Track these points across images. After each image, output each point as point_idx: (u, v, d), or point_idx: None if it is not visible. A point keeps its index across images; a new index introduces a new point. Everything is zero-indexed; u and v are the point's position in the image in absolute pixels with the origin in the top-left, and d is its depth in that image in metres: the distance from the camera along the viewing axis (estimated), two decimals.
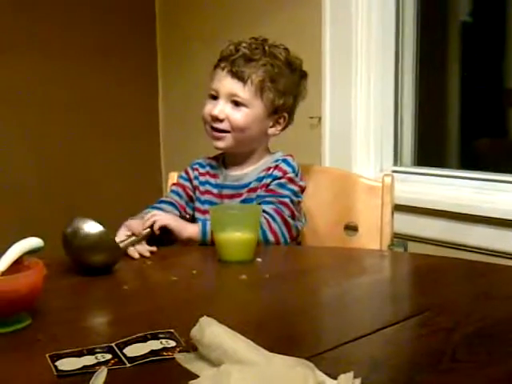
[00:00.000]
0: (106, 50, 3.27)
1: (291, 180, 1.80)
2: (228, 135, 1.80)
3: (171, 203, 1.83)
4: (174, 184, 1.93)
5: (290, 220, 1.74)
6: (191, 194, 1.88)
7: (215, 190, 1.85)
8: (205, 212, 1.81)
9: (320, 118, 2.67)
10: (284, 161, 1.82)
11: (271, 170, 1.81)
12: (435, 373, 0.90)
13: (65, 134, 3.13)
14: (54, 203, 3.11)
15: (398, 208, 2.00)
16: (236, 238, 1.50)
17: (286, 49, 1.85)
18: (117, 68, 3.30)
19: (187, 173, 1.91)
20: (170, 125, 3.48)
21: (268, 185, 1.79)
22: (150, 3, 3.45)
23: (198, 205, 1.86)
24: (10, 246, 1.14)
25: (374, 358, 0.95)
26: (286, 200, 1.76)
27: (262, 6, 2.90)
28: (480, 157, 2.75)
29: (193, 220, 1.83)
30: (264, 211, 1.70)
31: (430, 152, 2.77)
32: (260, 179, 1.81)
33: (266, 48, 1.81)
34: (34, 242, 1.16)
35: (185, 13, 3.33)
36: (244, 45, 1.81)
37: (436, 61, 2.83)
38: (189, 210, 1.86)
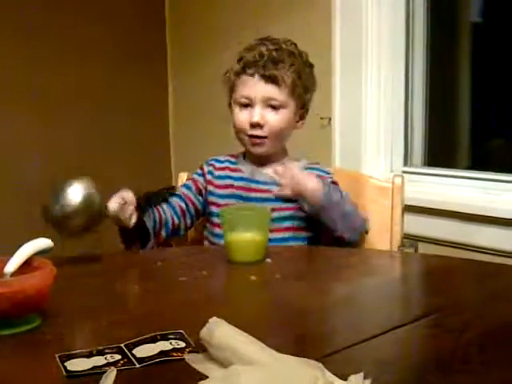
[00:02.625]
0: (116, 52, 3.27)
1: (334, 183, 1.84)
2: (267, 140, 1.81)
3: (178, 195, 1.86)
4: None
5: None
6: (201, 187, 1.88)
7: (238, 183, 1.84)
8: (222, 206, 1.79)
9: (330, 119, 2.66)
10: (316, 169, 1.86)
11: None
12: (446, 374, 0.89)
13: (74, 134, 3.14)
14: None
15: (409, 209, 2.00)
16: (246, 238, 1.49)
17: (293, 43, 1.86)
18: (126, 69, 3.30)
19: (202, 168, 1.91)
20: (180, 126, 3.48)
21: None
22: (160, 6, 3.45)
23: (213, 199, 1.84)
24: (19, 247, 1.14)
25: (384, 359, 0.95)
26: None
27: (271, 7, 2.90)
28: (491, 157, 2.74)
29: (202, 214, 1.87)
30: None
31: (440, 153, 2.76)
32: None
33: (284, 46, 1.82)
34: (43, 242, 1.17)
35: (194, 14, 3.33)
36: (264, 48, 1.80)
37: (447, 61, 2.82)
38: (196, 203, 1.86)
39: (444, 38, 2.80)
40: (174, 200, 1.84)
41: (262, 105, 1.79)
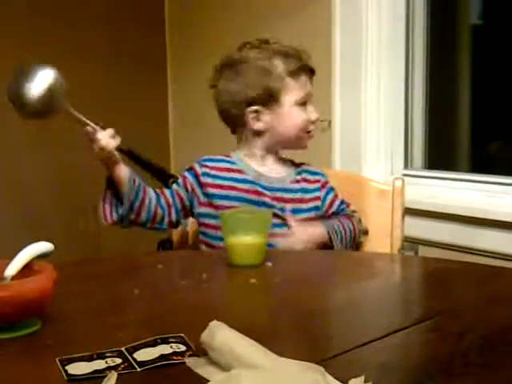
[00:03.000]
0: (115, 54, 3.27)
1: (327, 182, 1.90)
2: None
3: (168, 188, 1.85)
4: None
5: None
6: (191, 187, 1.83)
7: (243, 186, 1.82)
8: (230, 208, 1.77)
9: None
10: (307, 172, 1.89)
11: (302, 182, 1.86)
12: (446, 377, 0.89)
13: (74, 137, 3.13)
14: (64, 207, 3.12)
15: (409, 211, 2.00)
16: (246, 242, 1.49)
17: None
18: (126, 72, 3.31)
19: (193, 169, 1.85)
20: (180, 128, 3.48)
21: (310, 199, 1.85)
22: (159, 8, 3.46)
23: (218, 201, 1.80)
24: (19, 251, 1.14)
25: (384, 363, 0.94)
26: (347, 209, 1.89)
27: (271, 9, 2.90)
28: (492, 160, 2.74)
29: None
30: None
31: (440, 155, 2.76)
32: (295, 191, 1.84)
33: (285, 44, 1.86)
34: (43, 246, 1.16)
35: (194, 17, 3.33)
36: (276, 45, 1.84)
37: (447, 64, 2.82)
38: (185, 199, 1.84)
39: (444, 40, 2.80)
40: (162, 191, 1.82)
41: (310, 101, 1.84)
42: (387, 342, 1.02)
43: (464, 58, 2.81)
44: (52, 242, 1.17)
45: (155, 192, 1.80)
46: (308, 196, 1.84)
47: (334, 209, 1.86)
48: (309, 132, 1.85)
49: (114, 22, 3.27)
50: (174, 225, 1.87)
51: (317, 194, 1.86)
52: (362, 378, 0.82)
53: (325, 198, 1.86)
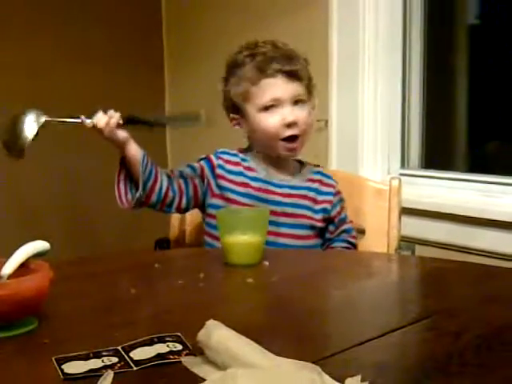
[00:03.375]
0: (113, 56, 3.27)
1: (339, 192, 1.88)
2: (299, 140, 1.79)
3: (180, 172, 1.80)
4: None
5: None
6: (205, 176, 1.81)
7: (255, 184, 1.81)
8: (242, 204, 1.77)
9: (327, 121, 2.66)
10: (322, 174, 1.88)
11: (316, 183, 1.85)
12: (443, 376, 0.89)
13: (70, 136, 3.13)
14: (59, 206, 3.12)
15: (406, 211, 2.00)
16: (243, 241, 1.49)
17: (283, 42, 1.84)
18: (123, 74, 3.31)
19: (210, 159, 1.83)
20: (177, 131, 3.47)
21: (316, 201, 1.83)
22: (156, 8, 3.46)
23: (231, 195, 1.79)
24: (16, 250, 1.14)
25: (381, 362, 0.94)
26: (349, 223, 1.88)
27: (268, 9, 2.90)
28: (488, 160, 2.75)
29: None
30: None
31: (437, 155, 2.77)
32: (308, 189, 1.83)
33: (280, 45, 1.81)
34: (40, 245, 1.16)
35: (191, 18, 3.33)
36: (267, 50, 1.78)
37: (444, 64, 2.83)
38: (198, 187, 1.80)
39: (441, 40, 2.80)
40: (176, 174, 1.79)
41: (289, 103, 1.76)
42: (384, 341, 1.02)
43: (461, 59, 2.81)
44: (49, 241, 1.17)
45: (168, 175, 1.76)
46: (320, 198, 1.83)
47: (338, 218, 1.85)
48: (285, 139, 1.77)
49: (112, 23, 3.27)
50: (182, 211, 1.84)
51: (329, 197, 1.84)
52: (359, 378, 0.82)
53: (336, 204, 1.84)
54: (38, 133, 1.66)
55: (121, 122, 1.66)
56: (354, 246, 1.87)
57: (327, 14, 2.64)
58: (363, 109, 2.60)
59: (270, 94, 1.76)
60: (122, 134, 1.68)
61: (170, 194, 1.75)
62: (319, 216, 1.82)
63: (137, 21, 3.37)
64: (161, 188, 1.73)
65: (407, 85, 2.67)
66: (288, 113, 1.75)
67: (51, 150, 3.10)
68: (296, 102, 1.77)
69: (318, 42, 2.64)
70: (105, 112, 1.67)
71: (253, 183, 1.81)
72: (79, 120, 1.69)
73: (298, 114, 1.76)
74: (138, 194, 1.69)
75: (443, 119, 2.84)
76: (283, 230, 1.76)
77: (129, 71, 3.32)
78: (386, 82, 2.61)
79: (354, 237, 1.87)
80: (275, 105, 1.76)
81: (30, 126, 1.67)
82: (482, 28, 2.81)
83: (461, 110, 2.82)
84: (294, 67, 1.76)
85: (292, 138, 1.77)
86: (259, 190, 1.80)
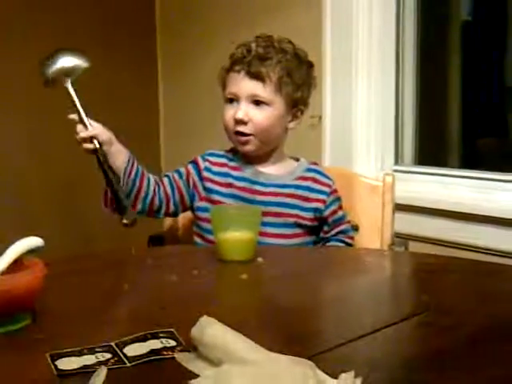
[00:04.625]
0: (106, 54, 3.25)
1: (336, 191, 1.87)
2: (252, 138, 1.79)
3: (168, 177, 1.83)
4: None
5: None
6: (192, 180, 1.84)
7: (240, 184, 1.82)
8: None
9: (320, 117, 2.66)
10: (318, 172, 1.87)
11: (308, 181, 1.84)
12: (437, 372, 0.89)
13: (65, 135, 3.13)
14: (54, 203, 3.12)
15: (399, 207, 2.01)
16: (236, 237, 1.49)
17: (290, 42, 1.85)
18: (117, 72, 3.30)
19: (197, 162, 1.86)
20: (171, 128, 3.47)
21: (310, 199, 1.83)
22: (150, 6, 3.45)
23: (215, 197, 1.81)
24: (9, 246, 1.13)
25: (374, 358, 0.95)
26: (347, 224, 1.87)
27: (261, 7, 2.90)
28: (482, 156, 2.75)
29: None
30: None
31: (431, 151, 2.77)
32: (297, 187, 1.83)
33: (276, 44, 1.81)
34: (33, 241, 1.16)
35: (184, 16, 3.33)
36: (254, 45, 1.80)
37: (437, 60, 2.83)
38: (184, 192, 1.83)
39: (434, 37, 2.81)
40: (163, 181, 1.82)
41: (246, 101, 1.77)
42: (377, 337, 1.02)
43: (454, 55, 2.81)
44: (42, 238, 1.17)
45: (155, 182, 1.79)
46: (312, 196, 1.83)
47: (333, 218, 1.84)
48: (236, 133, 1.80)
49: (106, 24, 3.26)
50: (171, 215, 1.88)
51: (323, 196, 1.83)
52: (352, 373, 0.82)
53: (330, 204, 1.84)
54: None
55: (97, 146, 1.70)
56: (351, 246, 1.87)
57: (320, 10, 2.64)
58: (357, 105, 2.60)
59: (230, 87, 1.80)
60: (104, 135, 1.72)
61: (156, 201, 1.79)
62: (309, 215, 1.81)
63: (130, 20, 3.36)
64: (146, 196, 1.77)
65: (400, 81, 2.67)
66: (240, 110, 1.77)
67: (48, 146, 3.11)
68: (256, 102, 1.78)
69: (311, 38, 2.63)
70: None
71: (237, 183, 1.82)
72: (87, 122, 1.72)
73: (252, 113, 1.77)
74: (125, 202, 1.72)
75: (436, 116, 2.85)
76: (268, 229, 1.75)
77: (121, 70, 3.32)
78: (380, 79, 2.61)
79: (351, 237, 1.86)
80: (235, 99, 1.79)
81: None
82: (475, 24, 2.81)
83: (454, 106, 2.82)
84: (258, 68, 1.76)
85: (242, 134, 1.79)
86: (244, 189, 1.81)
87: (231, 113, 1.79)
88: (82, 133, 1.70)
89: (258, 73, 1.76)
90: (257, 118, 1.77)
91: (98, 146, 1.69)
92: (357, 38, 2.57)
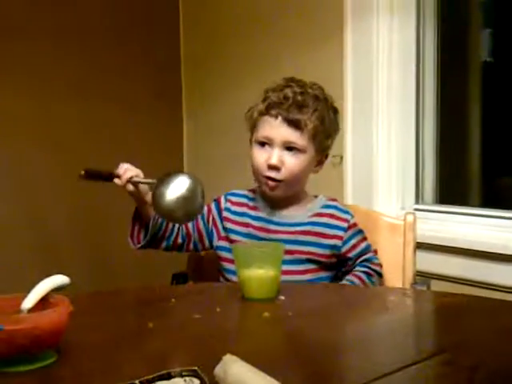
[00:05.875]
0: (131, 91, 3.30)
1: (355, 224, 1.87)
2: (282, 184, 1.79)
3: None
4: None
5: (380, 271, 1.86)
6: (212, 218, 1.88)
7: (257, 223, 1.84)
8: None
9: (342, 157, 2.68)
10: (335, 208, 1.87)
11: (325, 217, 1.84)
12: None
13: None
14: (78, 240, 3.14)
15: (420, 246, 2.01)
16: (259, 275, 1.50)
17: (320, 87, 1.85)
18: (141, 110, 3.34)
19: (219, 201, 1.90)
20: (195, 163, 3.50)
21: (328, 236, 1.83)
22: (175, 44, 3.50)
23: (233, 236, 1.84)
24: (36, 284, 1.15)
25: None
26: (371, 253, 1.87)
27: (285, 44, 2.93)
28: (502, 195, 2.75)
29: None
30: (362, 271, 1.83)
31: (451, 190, 2.77)
32: (313, 224, 1.83)
33: (310, 90, 1.81)
34: (60, 279, 1.18)
35: (210, 53, 3.36)
36: (289, 90, 1.79)
37: (457, 99, 2.84)
38: (203, 231, 1.88)
39: (454, 76, 2.82)
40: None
41: (281, 147, 1.77)
42: (400, 377, 1.02)
43: (474, 94, 2.82)
44: (68, 275, 1.19)
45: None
46: (330, 232, 1.83)
47: (355, 252, 1.84)
48: (267, 178, 1.79)
49: (131, 60, 3.31)
50: (193, 251, 1.93)
51: (340, 233, 1.83)
52: None
53: (349, 239, 1.84)
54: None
55: (82, 173, 1.72)
56: (379, 273, 1.85)
57: (342, 50, 2.66)
58: (378, 145, 2.61)
59: (265, 131, 1.79)
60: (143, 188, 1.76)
61: (179, 240, 1.86)
62: (326, 251, 1.82)
63: (155, 56, 3.40)
64: (170, 236, 1.84)
65: (421, 120, 2.69)
66: (274, 155, 1.77)
67: (72, 185, 3.14)
68: (290, 148, 1.78)
69: (332, 79, 2.65)
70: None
71: (254, 223, 1.85)
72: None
73: (286, 159, 1.78)
74: (143, 243, 1.80)
75: (457, 154, 2.85)
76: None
77: (146, 108, 3.36)
78: (400, 118, 2.63)
79: (377, 265, 1.86)
80: (268, 143, 1.79)
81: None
82: (496, 64, 2.83)
83: (474, 145, 2.82)
84: (296, 116, 1.76)
85: (272, 179, 1.79)
86: (260, 229, 1.84)
87: (264, 157, 1.78)
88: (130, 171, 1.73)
89: (297, 121, 1.76)
90: (290, 164, 1.78)
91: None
92: (377, 80, 2.59)
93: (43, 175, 3.07)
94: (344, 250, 1.83)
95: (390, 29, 2.59)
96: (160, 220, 1.78)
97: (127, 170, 1.72)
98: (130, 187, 1.72)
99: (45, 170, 3.07)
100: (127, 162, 1.75)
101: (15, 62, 2.97)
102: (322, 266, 1.83)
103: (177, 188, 1.67)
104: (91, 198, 3.06)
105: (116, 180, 1.72)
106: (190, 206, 1.68)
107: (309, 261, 1.81)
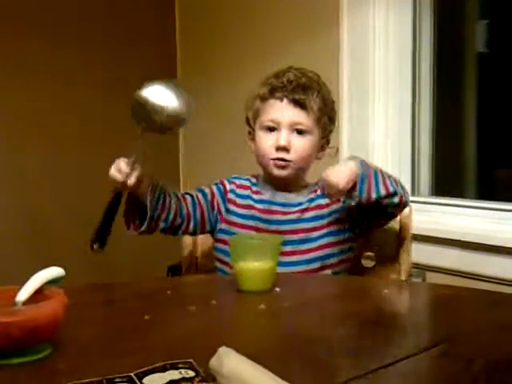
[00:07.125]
0: (126, 81, 3.29)
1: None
2: (292, 164, 1.79)
3: (191, 196, 1.84)
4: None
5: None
6: (216, 202, 1.86)
7: (260, 206, 1.84)
8: (244, 226, 1.82)
9: (338, 149, 2.67)
10: None
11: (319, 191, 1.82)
12: None
13: (82, 163, 3.16)
14: (75, 233, 3.13)
15: (416, 238, 2.00)
16: (255, 267, 1.50)
17: (317, 74, 1.86)
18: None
19: (223, 184, 1.90)
20: (191, 153, 3.49)
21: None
22: (171, 33, 3.49)
23: (234, 218, 1.84)
24: (31, 276, 1.15)
25: None
26: None
27: (281, 37, 2.93)
28: (498, 187, 2.75)
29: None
30: None
31: (447, 182, 2.77)
32: (311, 200, 1.84)
33: (310, 75, 1.83)
34: (55, 271, 1.17)
35: (205, 45, 3.36)
36: (291, 74, 1.80)
37: (453, 90, 2.84)
38: (206, 213, 1.84)
39: (450, 68, 2.82)
40: (185, 199, 1.82)
41: (288, 129, 1.77)
42: (396, 369, 1.02)
43: (470, 86, 2.82)
44: (63, 267, 1.18)
45: (178, 199, 1.80)
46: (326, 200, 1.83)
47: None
48: (274, 159, 1.79)
49: (126, 53, 3.31)
50: (190, 234, 1.89)
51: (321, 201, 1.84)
52: None
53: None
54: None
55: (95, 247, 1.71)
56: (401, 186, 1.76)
57: (338, 41, 2.66)
58: (373, 136, 2.61)
59: (271, 114, 1.79)
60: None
61: (178, 220, 1.80)
62: (332, 217, 1.83)
63: (150, 50, 3.40)
64: (168, 215, 1.77)
65: (417, 112, 2.69)
66: (283, 137, 1.77)
67: (68, 177, 3.13)
68: (296, 130, 1.78)
69: (328, 71, 2.64)
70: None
71: (257, 205, 1.85)
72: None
73: (294, 141, 1.78)
74: (143, 228, 1.72)
75: (453, 147, 2.85)
76: (288, 248, 1.77)
77: None
78: (396, 110, 2.62)
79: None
80: (274, 127, 1.79)
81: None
82: (491, 55, 2.82)
83: (470, 137, 2.83)
84: (301, 96, 1.77)
85: (282, 159, 1.79)
86: (263, 211, 1.83)
87: (271, 141, 1.79)
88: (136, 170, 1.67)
89: (303, 101, 1.77)
90: (298, 145, 1.78)
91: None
92: (373, 71, 2.59)
93: (39, 167, 3.07)
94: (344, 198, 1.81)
95: (387, 20, 2.58)
96: (157, 195, 1.72)
97: (127, 177, 1.66)
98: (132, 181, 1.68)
99: (40, 161, 3.06)
100: (123, 155, 1.72)
101: (15, 60, 2.97)
102: (332, 220, 1.82)
103: (161, 100, 1.72)
104: (87, 190, 3.06)
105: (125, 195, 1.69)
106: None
107: (318, 217, 1.82)
